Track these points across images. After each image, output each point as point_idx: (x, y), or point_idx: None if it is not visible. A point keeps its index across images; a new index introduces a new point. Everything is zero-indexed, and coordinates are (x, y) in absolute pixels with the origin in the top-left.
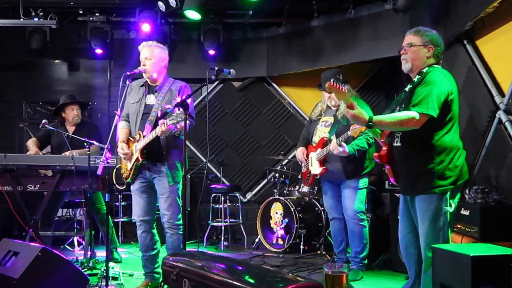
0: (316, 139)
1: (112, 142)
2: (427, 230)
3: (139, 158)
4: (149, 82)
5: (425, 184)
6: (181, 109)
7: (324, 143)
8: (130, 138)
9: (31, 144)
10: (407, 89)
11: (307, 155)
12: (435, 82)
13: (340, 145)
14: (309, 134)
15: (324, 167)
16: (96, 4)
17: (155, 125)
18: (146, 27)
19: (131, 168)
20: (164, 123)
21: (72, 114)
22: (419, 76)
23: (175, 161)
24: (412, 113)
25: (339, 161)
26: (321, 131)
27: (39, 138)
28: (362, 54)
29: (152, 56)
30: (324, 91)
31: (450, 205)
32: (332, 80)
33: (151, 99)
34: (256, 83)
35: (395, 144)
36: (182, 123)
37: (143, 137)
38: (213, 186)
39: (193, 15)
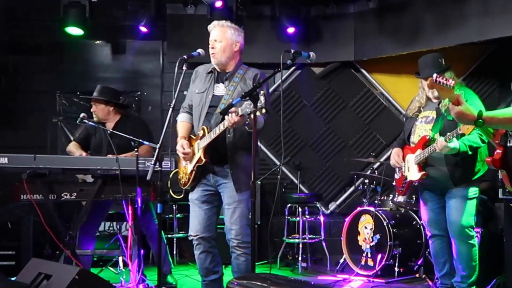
0: (415, 138)
1: (165, 141)
2: None
3: (202, 158)
4: (218, 69)
5: None
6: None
7: (425, 142)
8: (191, 136)
9: (74, 148)
10: None
11: (404, 158)
12: None
13: (449, 142)
14: (404, 134)
15: (424, 172)
16: None
17: (222, 120)
18: (218, 3)
19: (191, 171)
20: (236, 112)
21: (92, 109)
22: None
23: (243, 163)
24: None
25: (445, 165)
26: (421, 129)
27: (80, 140)
28: (470, 34)
29: (223, 38)
30: (424, 79)
31: None
32: (434, 76)
33: (220, 89)
34: (341, 69)
35: (510, 145)
36: (257, 114)
37: (208, 132)
38: (288, 194)
39: None
